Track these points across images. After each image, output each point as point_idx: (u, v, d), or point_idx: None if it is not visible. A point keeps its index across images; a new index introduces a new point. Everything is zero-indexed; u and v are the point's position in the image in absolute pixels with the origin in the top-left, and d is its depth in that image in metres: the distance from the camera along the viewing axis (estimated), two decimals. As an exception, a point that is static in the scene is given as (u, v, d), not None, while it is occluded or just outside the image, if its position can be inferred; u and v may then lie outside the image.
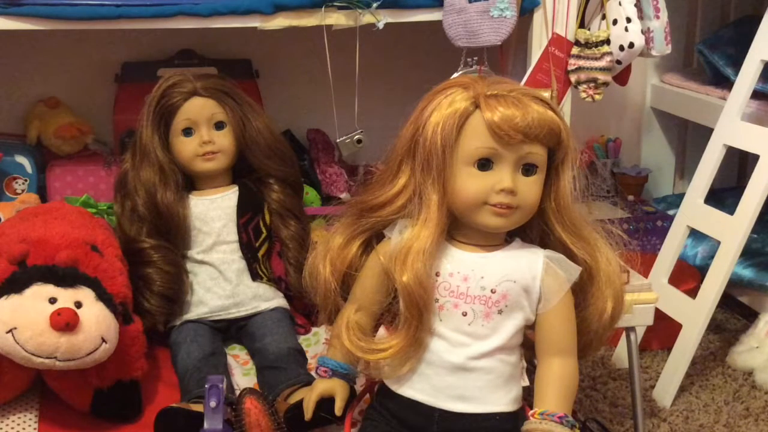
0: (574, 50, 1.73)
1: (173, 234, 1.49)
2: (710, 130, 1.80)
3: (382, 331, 1.14)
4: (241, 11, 1.58)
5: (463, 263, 1.08)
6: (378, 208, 1.11)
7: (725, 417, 1.64)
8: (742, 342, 1.84)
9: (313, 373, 1.32)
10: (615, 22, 1.71)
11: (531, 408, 1.09)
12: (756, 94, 1.81)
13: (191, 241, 1.52)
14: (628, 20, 1.70)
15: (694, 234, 1.85)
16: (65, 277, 1.23)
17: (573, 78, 1.74)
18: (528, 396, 1.12)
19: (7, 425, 1.27)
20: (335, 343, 1.16)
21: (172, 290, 1.46)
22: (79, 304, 1.21)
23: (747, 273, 1.91)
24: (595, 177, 2.20)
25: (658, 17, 1.77)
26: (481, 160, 1.03)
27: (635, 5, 1.72)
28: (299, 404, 1.18)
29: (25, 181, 1.89)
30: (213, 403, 1.15)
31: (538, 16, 1.72)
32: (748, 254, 1.90)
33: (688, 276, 1.89)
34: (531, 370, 1.13)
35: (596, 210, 1.17)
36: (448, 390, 1.07)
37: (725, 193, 2.12)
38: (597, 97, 1.74)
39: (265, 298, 1.52)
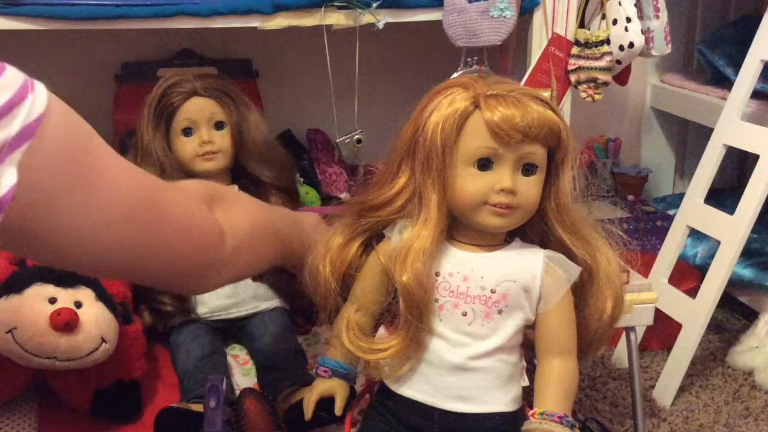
0: (574, 50, 1.73)
1: (173, 234, 1.49)
2: (710, 130, 1.80)
3: (382, 331, 1.14)
4: (241, 11, 1.58)
5: (463, 263, 1.07)
6: (378, 208, 1.11)
7: (725, 417, 1.64)
8: (742, 342, 1.84)
9: (313, 373, 1.32)
10: (615, 21, 1.71)
11: (531, 408, 1.09)
12: (756, 94, 1.80)
13: (191, 241, 1.52)
14: (628, 20, 1.70)
15: (694, 234, 1.85)
16: (65, 277, 1.23)
17: (573, 78, 1.74)
18: (528, 396, 1.12)
19: (7, 425, 1.27)
20: (335, 343, 1.15)
21: None
22: (79, 304, 1.21)
23: (747, 273, 1.91)
24: (595, 177, 2.20)
25: (658, 17, 1.77)
26: (481, 160, 1.03)
27: (635, 5, 1.72)
28: (299, 404, 1.18)
29: (26, 181, 1.88)
30: (213, 403, 1.15)
31: (538, 16, 1.72)
32: (748, 254, 1.90)
33: (688, 276, 1.89)
34: (531, 370, 1.13)
35: (596, 210, 1.17)
36: (448, 390, 1.07)
37: (725, 193, 2.12)
38: (597, 97, 1.74)
39: (265, 298, 1.52)
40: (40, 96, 0.73)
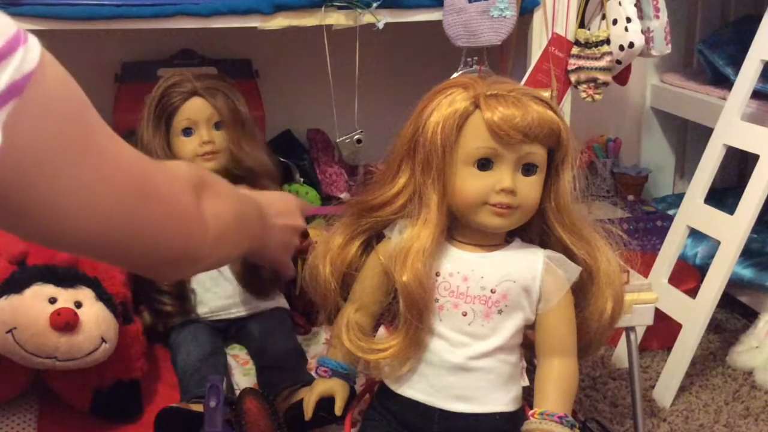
0: (574, 50, 1.73)
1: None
2: (710, 130, 1.80)
3: (382, 331, 1.14)
4: (241, 11, 1.58)
5: (463, 263, 1.08)
6: (378, 208, 1.11)
7: (725, 417, 1.64)
8: (742, 342, 1.84)
9: (313, 373, 1.32)
10: (615, 21, 1.71)
11: (531, 408, 1.09)
12: (756, 94, 1.80)
13: (191, 241, 1.52)
14: (628, 20, 1.70)
15: (694, 234, 1.85)
16: (65, 277, 1.23)
17: (573, 78, 1.74)
18: (528, 396, 1.12)
19: (7, 425, 1.27)
20: (335, 343, 1.15)
21: (178, 288, 1.46)
22: (79, 304, 1.21)
23: (747, 273, 1.91)
24: (595, 177, 2.20)
25: (658, 17, 1.77)
26: (481, 160, 1.03)
27: (635, 5, 1.72)
28: (299, 404, 1.18)
29: (25, 181, 1.88)
30: (213, 403, 1.15)
31: (538, 16, 1.72)
32: (748, 254, 1.90)
33: (688, 276, 1.89)
34: (531, 370, 1.13)
35: (596, 210, 1.17)
36: (448, 390, 1.07)
37: (725, 193, 2.12)
38: (597, 97, 1.74)
39: (265, 298, 1.52)
40: (32, 50, 0.64)
